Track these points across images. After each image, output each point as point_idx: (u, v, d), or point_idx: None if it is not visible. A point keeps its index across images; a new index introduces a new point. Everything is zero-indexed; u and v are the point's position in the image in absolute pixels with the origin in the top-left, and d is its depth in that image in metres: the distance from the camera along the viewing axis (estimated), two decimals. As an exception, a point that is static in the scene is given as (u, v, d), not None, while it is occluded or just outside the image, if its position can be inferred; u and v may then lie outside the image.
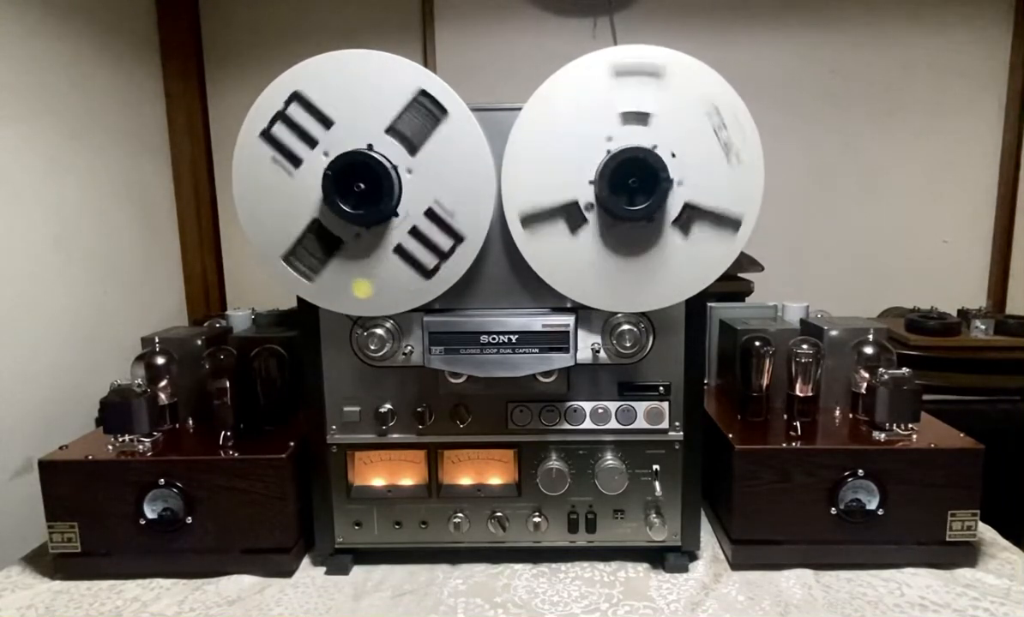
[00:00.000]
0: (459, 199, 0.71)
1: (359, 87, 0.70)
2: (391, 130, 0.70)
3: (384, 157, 0.69)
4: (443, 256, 0.72)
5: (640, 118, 0.70)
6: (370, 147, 0.70)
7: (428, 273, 0.73)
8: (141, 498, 0.80)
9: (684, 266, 0.73)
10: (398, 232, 0.72)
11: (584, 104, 0.70)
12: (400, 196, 0.71)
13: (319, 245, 0.72)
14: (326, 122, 0.70)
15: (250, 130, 0.71)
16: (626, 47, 0.70)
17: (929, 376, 1.17)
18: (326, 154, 0.70)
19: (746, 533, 0.82)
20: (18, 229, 1.14)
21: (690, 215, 0.71)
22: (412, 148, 0.71)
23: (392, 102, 0.70)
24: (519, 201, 0.72)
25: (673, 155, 0.70)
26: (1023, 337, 1.25)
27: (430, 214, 0.72)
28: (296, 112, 0.70)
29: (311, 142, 0.71)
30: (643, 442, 0.82)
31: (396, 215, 0.71)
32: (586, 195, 0.71)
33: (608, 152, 0.70)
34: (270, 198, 0.72)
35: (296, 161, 0.71)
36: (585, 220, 0.72)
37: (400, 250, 0.72)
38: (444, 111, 0.70)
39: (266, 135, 0.71)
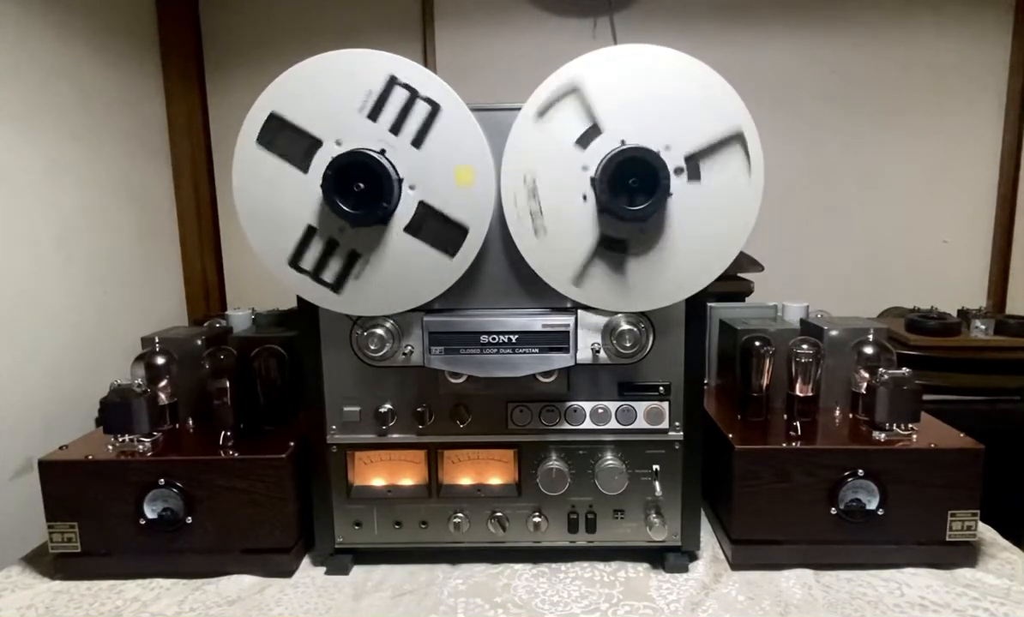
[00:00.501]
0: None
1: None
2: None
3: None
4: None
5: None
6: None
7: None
8: (141, 498, 0.80)
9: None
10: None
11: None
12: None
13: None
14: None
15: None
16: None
17: (929, 376, 1.17)
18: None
19: (746, 533, 0.82)
20: (18, 229, 1.14)
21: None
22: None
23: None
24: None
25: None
26: (1023, 337, 1.25)
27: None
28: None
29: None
30: (643, 442, 0.81)
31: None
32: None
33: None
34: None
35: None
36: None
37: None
38: None
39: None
